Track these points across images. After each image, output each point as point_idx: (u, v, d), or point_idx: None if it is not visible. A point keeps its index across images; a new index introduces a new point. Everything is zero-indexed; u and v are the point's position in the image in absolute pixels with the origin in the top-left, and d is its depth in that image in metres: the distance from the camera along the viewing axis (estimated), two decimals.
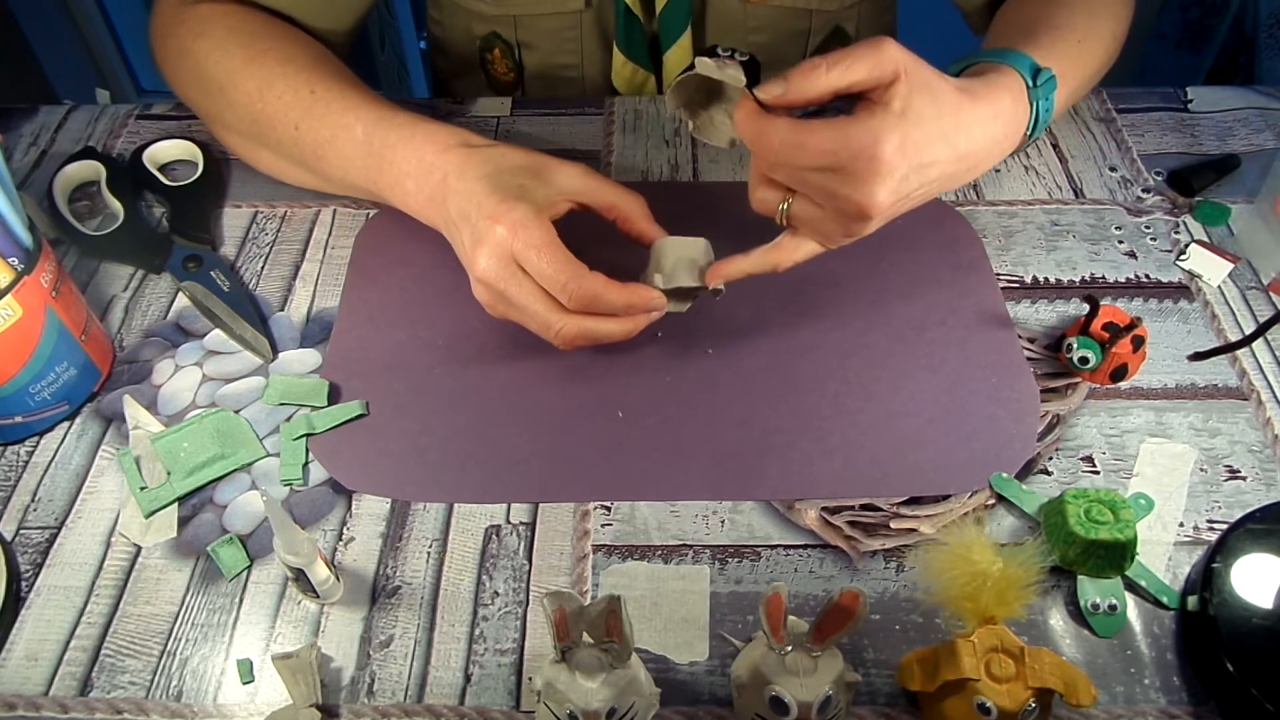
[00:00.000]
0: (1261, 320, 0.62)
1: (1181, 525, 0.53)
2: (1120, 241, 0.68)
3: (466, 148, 0.57)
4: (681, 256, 0.56)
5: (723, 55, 0.50)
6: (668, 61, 0.80)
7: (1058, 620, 0.49)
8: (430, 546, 0.53)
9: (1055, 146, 0.75)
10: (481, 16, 0.82)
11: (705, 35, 0.81)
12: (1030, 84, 0.58)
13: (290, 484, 0.55)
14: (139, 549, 0.53)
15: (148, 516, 0.54)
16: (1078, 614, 0.49)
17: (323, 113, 0.62)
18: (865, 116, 0.49)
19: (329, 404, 0.58)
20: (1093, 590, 0.49)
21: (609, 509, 0.54)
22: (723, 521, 0.53)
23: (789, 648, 0.42)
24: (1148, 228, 0.69)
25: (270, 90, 0.63)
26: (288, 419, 0.58)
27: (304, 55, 0.65)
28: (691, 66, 0.51)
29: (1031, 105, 0.58)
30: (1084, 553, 0.49)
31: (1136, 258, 0.67)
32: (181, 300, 0.65)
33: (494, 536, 0.53)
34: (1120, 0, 0.70)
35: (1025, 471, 0.55)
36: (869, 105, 0.50)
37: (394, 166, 0.59)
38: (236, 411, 0.58)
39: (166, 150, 0.74)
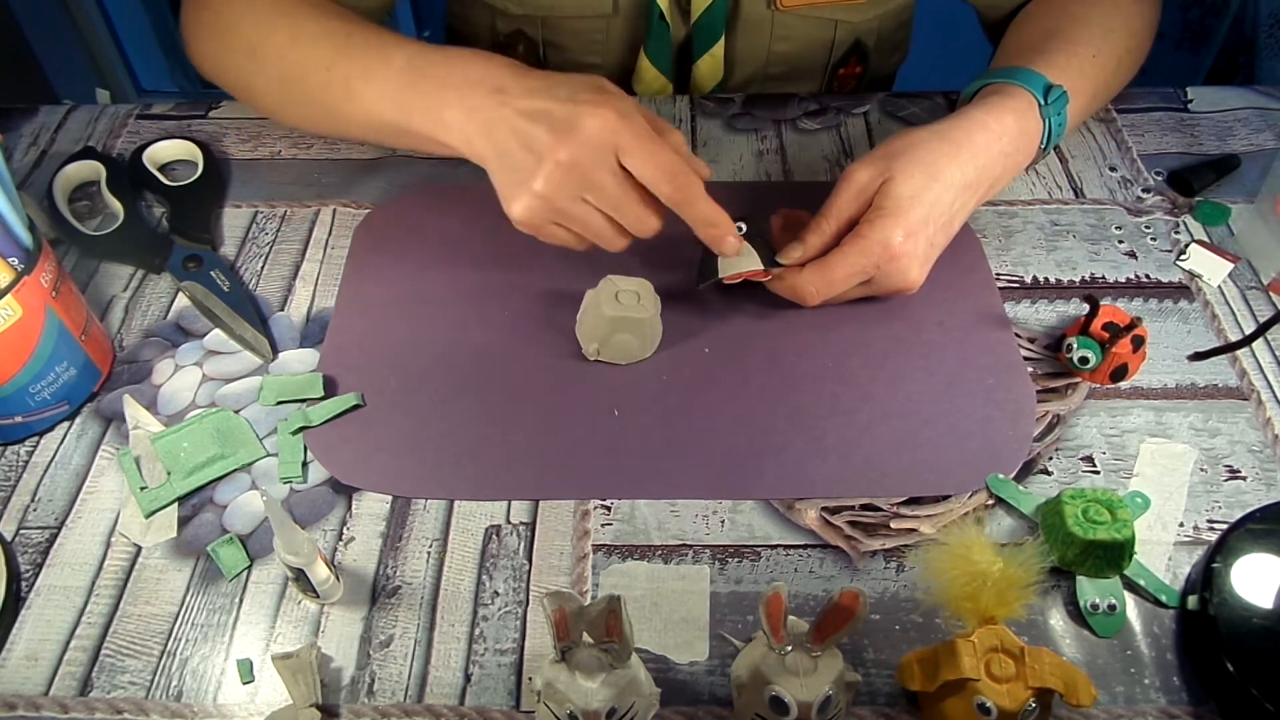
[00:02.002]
0: (1261, 320, 0.62)
1: (1181, 525, 0.53)
2: (1120, 241, 0.68)
3: (517, 66, 0.56)
4: (621, 338, 0.59)
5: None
6: (698, 70, 0.81)
7: (1058, 620, 0.49)
8: (430, 546, 0.53)
9: (1055, 147, 0.75)
10: (506, 15, 0.82)
11: (735, 42, 0.81)
12: (1042, 101, 0.63)
13: (290, 482, 0.55)
14: (139, 549, 0.53)
15: (148, 516, 0.54)
16: (1077, 614, 0.49)
17: (360, 50, 0.60)
18: (866, 231, 0.57)
19: (325, 397, 0.59)
20: (1092, 590, 0.49)
21: (609, 509, 0.54)
22: (723, 521, 0.53)
23: (789, 648, 0.42)
24: (1148, 228, 0.69)
25: (303, 34, 0.62)
26: (286, 418, 0.58)
27: (334, 9, 0.64)
28: (716, 279, 0.59)
29: (1044, 121, 0.63)
30: (1082, 553, 0.49)
31: (1136, 258, 0.67)
32: (181, 300, 0.65)
33: (494, 536, 0.53)
34: (1136, 15, 0.71)
35: (1025, 471, 0.55)
36: (865, 217, 0.58)
37: (435, 80, 0.56)
38: (236, 411, 0.58)
39: (166, 150, 0.74)
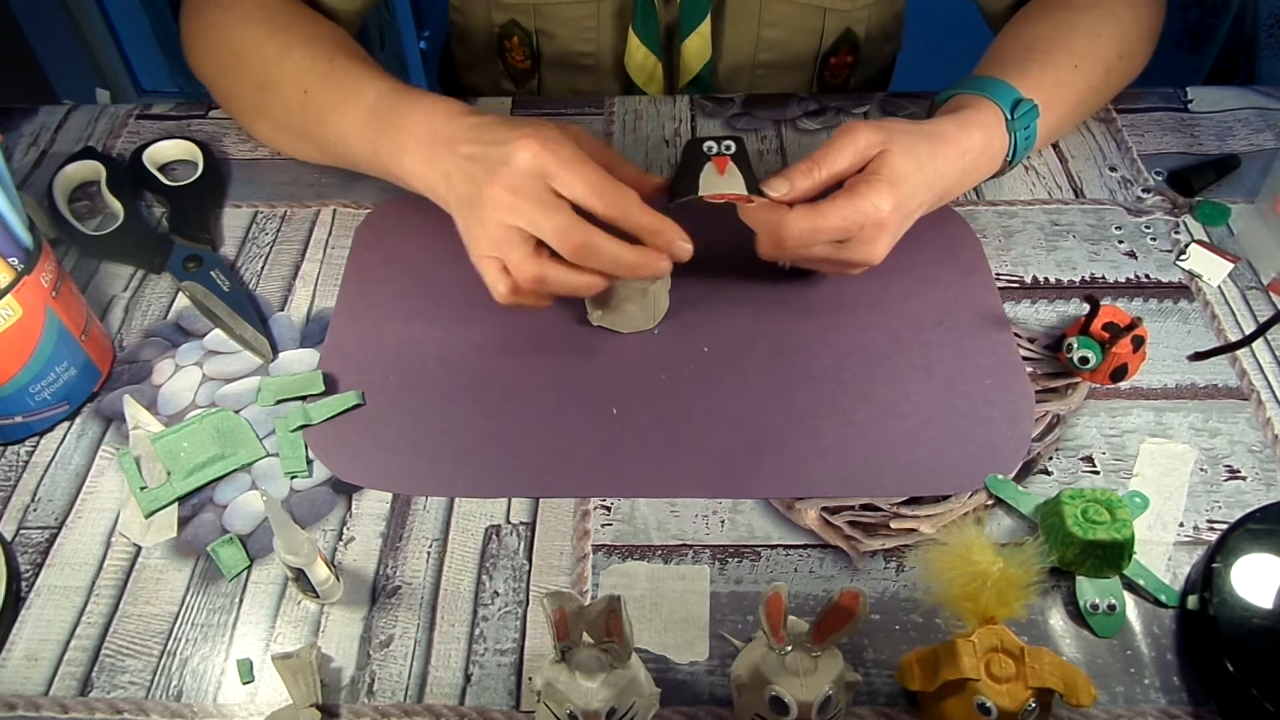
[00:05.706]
0: (1261, 320, 0.62)
1: (1181, 525, 0.53)
2: (1120, 241, 0.68)
3: (466, 112, 0.59)
4: (626, 308, 0.59)
5: (714, 151, 0.58)
6: (685, 50, 0.82)
7: (1058, 620, 0.49)
8: (430, 546, 0.53)
9: (1055, 146, 0.75)
10: (501, 5, 0.84)
11: (724, 26, 0.82)
12: (1009, 116, 0.63)
13: (295, 476, 0.55)
14: (139, 549, 0.53)
15: (148, 516, 0.54)
16: (1077, 614, 0.49)
17: (339, 80, 0.64)
18: (865, 191, 0.56)
19: (325, 393, 0.59)
20: (1092, 590, 0.49)
21: (609, 509, 0.54)
22: (723, 521, 0.53)
23: (789, 648, 0.42)
24: (1148, 228, 0.69)
25: (288, 56, 0.65)
26: (285, 416, 0.58)
27: (328, 34, 0.68)
28: (695, 196, 0.57)
29: (1010, 135, 0.63)
30: (1082, 553, 0.49)
31: (1136, 258, 0.67)
32: (181, 300, 0.65)
33: (494, 536, 0.53)
34: (1130, 20, 0.71)
35: (1025, 472, 0.55)
36: (863, 178, 0.57)
37: (398, 127, 0.60)
38: (236, 411, 0.58)
39: (166, 150, 0.74)
